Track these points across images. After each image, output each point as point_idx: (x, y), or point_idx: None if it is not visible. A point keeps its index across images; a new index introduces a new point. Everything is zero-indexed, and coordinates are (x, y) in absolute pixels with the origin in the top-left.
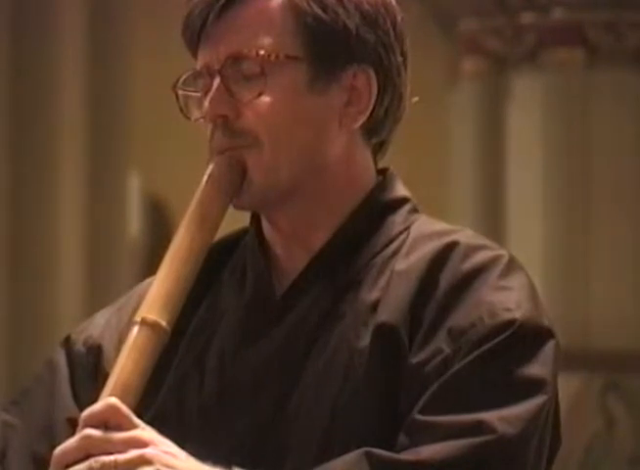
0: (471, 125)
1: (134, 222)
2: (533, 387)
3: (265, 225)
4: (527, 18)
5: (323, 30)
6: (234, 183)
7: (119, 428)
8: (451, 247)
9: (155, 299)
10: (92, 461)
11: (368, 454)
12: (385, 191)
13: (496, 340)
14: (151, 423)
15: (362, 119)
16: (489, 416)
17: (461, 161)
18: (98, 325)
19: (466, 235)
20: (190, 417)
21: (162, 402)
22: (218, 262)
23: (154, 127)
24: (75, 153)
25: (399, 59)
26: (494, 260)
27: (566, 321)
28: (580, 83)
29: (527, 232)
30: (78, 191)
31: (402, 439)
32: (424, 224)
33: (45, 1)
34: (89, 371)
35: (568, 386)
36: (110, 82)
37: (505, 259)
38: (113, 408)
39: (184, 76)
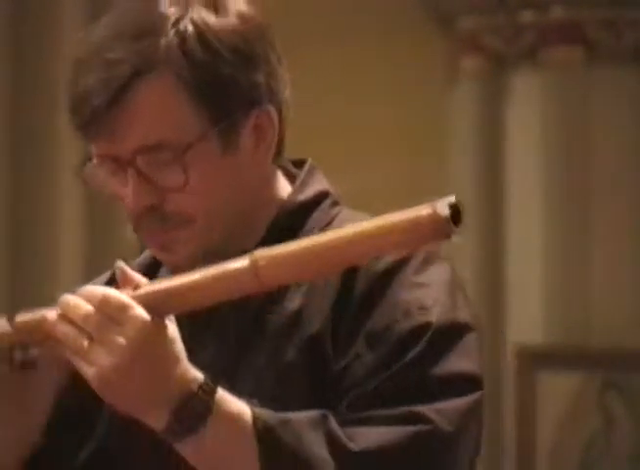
0: (470, 123)
1: None
2: (465, 384)
3: None
4: (527, 16)
5: (217, 91)
6: None
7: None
8: None
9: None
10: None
11: (324, 419)
12: (301, 192)
13: (413, 344)
14: (97, 456)
15: (272, 152)
16: (424, 408)
17: (460, 159)
18: None
19: None
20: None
21: (105, 437)
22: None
23: None
24: (75, 153)
25: (282, 72)
26: (408, 257)
27: (565, 320)
28: (580, 81)
29: (527, 231)
30: (78, 191)
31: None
32: (345, 219)
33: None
34: None
35: (567, 384)
36: None
37: (420, 255)
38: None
39: (87, 167)
